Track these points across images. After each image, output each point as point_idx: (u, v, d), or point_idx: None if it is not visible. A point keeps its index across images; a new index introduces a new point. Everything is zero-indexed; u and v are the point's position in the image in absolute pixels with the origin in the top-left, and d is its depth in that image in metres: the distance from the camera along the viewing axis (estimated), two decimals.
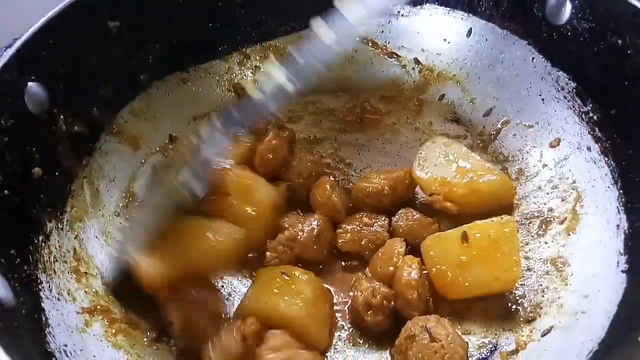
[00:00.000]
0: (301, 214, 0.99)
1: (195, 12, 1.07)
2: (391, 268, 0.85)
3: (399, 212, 0.95)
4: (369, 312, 0.80)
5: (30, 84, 0.83)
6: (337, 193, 0.99)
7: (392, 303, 0.82)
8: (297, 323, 0.76)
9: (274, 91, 0.85)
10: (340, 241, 0.94)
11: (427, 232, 0.90)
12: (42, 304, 0.71)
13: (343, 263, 0.95)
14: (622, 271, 0.76)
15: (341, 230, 0.95)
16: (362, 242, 0.93)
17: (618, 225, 0.82)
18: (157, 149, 1.04)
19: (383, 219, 0.96)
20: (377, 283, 0.83)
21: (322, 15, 1.14)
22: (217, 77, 1.14)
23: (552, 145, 0.99)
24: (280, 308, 0.77)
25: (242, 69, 1.16)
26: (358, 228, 0.95)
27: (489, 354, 0.78)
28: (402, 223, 0.93)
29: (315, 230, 0.93)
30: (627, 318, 0.69)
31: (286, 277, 0.82)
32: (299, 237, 0.92)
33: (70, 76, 0.91)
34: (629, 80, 0.87)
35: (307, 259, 0.91)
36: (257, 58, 1.17)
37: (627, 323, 0.68)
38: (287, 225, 0.95)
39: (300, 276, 0.84)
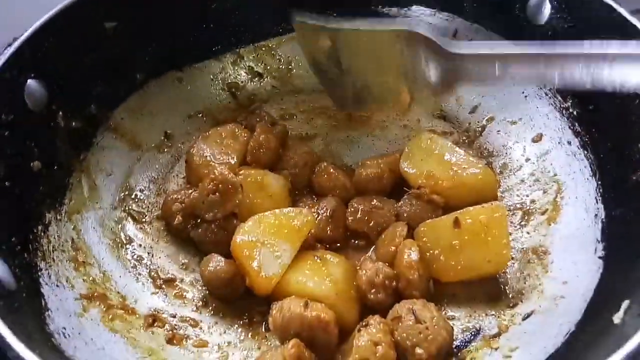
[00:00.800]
0: (314, 198, 1.02)
1: (189, 13, 1.11)
2: (393, 249, 0.88)
3: (404, 197, 0.98)
4: (372, 291, 0.83)
5: (29, 81, 0.86)
6: (341, 173, 1.03)
7: (394, 283, 0.84)
8: (326, 302, 0.79)
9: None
10: (350, 219, 0.97)
11: (430, 217, 0.92)
12: (42, 289, 0.74)
13: (353, 242, 0.98)
14: (599, 257, 0.80)
15: (352, 209, 0.98)
16: (371, 224, 0.96)
17: (596, 215, 0.86)
18: (153, 145, 1.07)
19: (392, 203, 0.99)
20: (381, 263, 0.86)
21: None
22: (212, 76, 1.18)
23: (534, 140, 1.03)
24: (310, 288, 0.81)
25: (236, 68, 1.20)
26: (368, 209, 0.98)
27: (472, 337, 0.81)
28: (406, 208, 0.96)
29: (329, 210, 0.96)
30: (603, 300, 0.73)
31: (318, 260, 0.85)
32: (316, 218, 0.94)
33: (68, 74, 0.94)
34: None
35: (324, 238, 0.95)
36: (251, 58, 1.21)
37: (603, 305, 0.71)
38: None
39: (331, 259, 0.87)
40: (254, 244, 0.84)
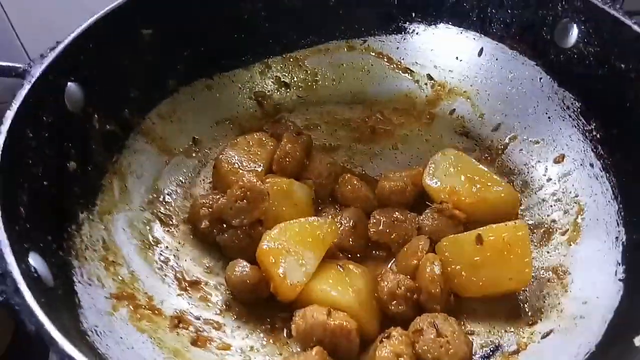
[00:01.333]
0: (337, 208, 1.05)
1: (221, 23, 1.14)
2: (415, 262, 0.90)
3: (426, 211, 0.99)
4: (393, 302, 0.85)
5: (69, 84, 0.89)
6: (364, 184, 1.05)
7: (416, 295, 0.86)
8: (348, 311, 0.81)
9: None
10: (372, 230, 0.99)
11: (451, 232, 0.94)
12: (75, 287, 0.76)
13: (374, 252, 0.99)
14: (620, 280, 0.81)
15: (374, 220, 1.00)
16: (392, 236, 0.98)
17: (617, 237, 0.87)
18: (181, 150, 1.10)
19: (414, 216, 1.01)
20: (402, 276, 0.88)
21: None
22: (240, 85, 1.20)
23: (556, 161, 1.04)
24: (333, 296, 0.82)
25: (263, 78, 1.23)
26: (390, 221, 0.99)
27: (491, 353, 0.83)
28: (428, 222, 0.97)
29: (352, 221, 0.98)
30: (623, 323, 0.74)
31: (341, 269, 0.87)
32: (339, 228, 0.96)
33: (105, 78, 0.97)
34: (630, 102, 0.92)
35: (346, 248, 0.97)
36: (278, 68, 1.23)
37: (623, 327, 0.72)
38: None
39: (354, 269, 0.89)
40: (279, 251, 0.86)
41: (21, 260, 0.61)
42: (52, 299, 0.63)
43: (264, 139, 1.08)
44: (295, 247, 0.87)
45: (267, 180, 0.99)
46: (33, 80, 0.80)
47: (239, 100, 1.20)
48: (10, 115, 0.74)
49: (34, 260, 0.67)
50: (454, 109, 1.18)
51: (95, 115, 0.95)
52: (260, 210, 0.92)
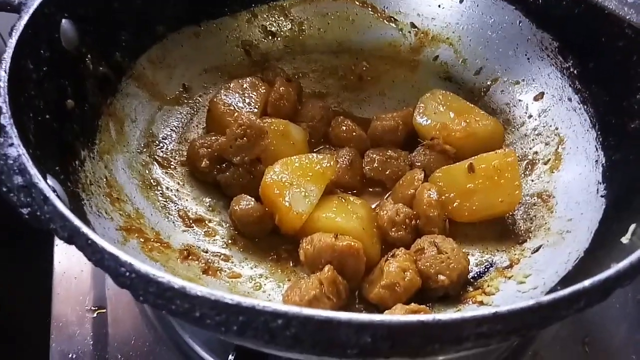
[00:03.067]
0: (332, 149, 1.08)
1: None
2: (411, 191, 0.94)
3: (417, 148, 1.04)
4: (393, 229, 0.89)
5: (64, 20, 0.88)
6: (356, 126, 1.09)
7: (414, 222, 0.90)
8: (353, 235, 0.84)
9: None
10: (367, 167, 1.03)
11: (442, 166, 0.98)
12: (88, 217, 0.77)
13: (369, 189, 1.03)
14: (602, 196, 0.87)
15: (369, 159, 1.04)
16: (387, 172, 1.02)
17: (596, 161, 0.93)
18: (172, 96, 1.10)
19: (406, 154, 1.05)
20: (400, 204, 0.92)
21: None
22: (227, 33, 1.20)
23: (536, 99, 1.10)
24: (339, 222, 0.86)
25: (250, 27, 1.23)
26: (384, 159, 1.03)
27: (485, 270, 0.88)
28: (420, 157, 1.02)
29: (348, 158, 1.02)
30: (608, 229, 0.80)
31: (343, 200, 0.91)
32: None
33: (97, 19, 0.96)
34: (604, 37, 0.98)
35: (343, 184, 1.00)
36: (264, 17, 1.24)
37: (609, 233, 0.79)
38: None
39: (354, 200, 0.93)
40: (283, 184, 0.89)
41: (43, 176, 0.62)
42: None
43: (257, 82, 1.09)
44: (297, 181, 0.90)
45: (265, 120, 1.00)
46: (30, 12, 0.78)
47: (227, 48, 1.20)
48: (12, 43, 0.73)
49: (52, 182, 0.67)
50: (437, 56, 1.22)
51: (89, 56, 0.94)
52: (260, 147, 0.94)
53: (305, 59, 1.25)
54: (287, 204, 0.87)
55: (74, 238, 0.55)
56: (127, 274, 0.52)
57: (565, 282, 0.76)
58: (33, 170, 0.59)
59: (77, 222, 0.55)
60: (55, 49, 0.86)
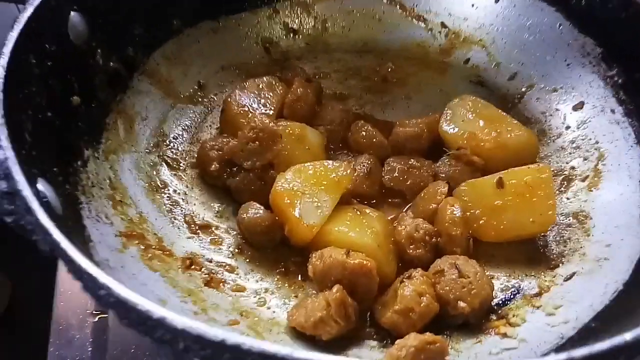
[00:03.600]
0: (350, 156, 1.02)
1: None
2: (433, 206, 0.87)
3: (443, 157, 0.97)
4: (411, 246, 0.82)
5: (72, 13, 0.84)
6: (377, 131, 1.02)
7: (435, 239, 0.83)
8: (367, 251, 0.78)
9: None
10: (387, 177, 0.96)
11: (469, 179, 0.91)
12: (84, 221, 0.73)
13: (389, 199, 0.96)
14: None
15: (389, 167, 0.97)
16: (408, 183, 0.95)
17: None
18: (187, 94, 1.05)
19: (429, 164, 0.98)
20: (420, 220, 0.85)
21: None
22: (247, 30, 1.15)
23: (575, 109, 1.01)
24: (352, 237, 0.80)
25: (271, 23, 1.17)
26: (405, 168, 0.97)
27: (512, 296, 0.81)
28: (445, 168, 0.95)
29: (367, 167, 0.95)
30: None
31: (358, 213, 0.84)
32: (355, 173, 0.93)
33: (109, 12, 0.92)
34: None
35: (361, 194, 0.94)
36: (286, 14, 1.18)
37: None
38: None
39: (370, 213, 0.86)
40: (295, 193, 0.83)
41: (31, 181, 0.57)
42: (64, 226, 0.59)
43: (274, 82, 1.04)
44: (310, 189, 0.84)
45: (279, 123, 0.95)
46: (36, 3, 0.74)
47: (246, 45, 1.15)
48: (12, 37, 0.69)
49: (43, 186, 0.63)
50: (469, 58, 1.15)
51: (99, 51, 0.90)
52: (272, 152, 0.89)
53: (328, 58, 1.18)
54: (298, 214, 0.81)
55: (55, 252, 0.51)
56: (107, 297, 0.47)
57: (601, 318, 0.68)
58: (19, 176, 0.55)
59: (58, 236, 0.51)
60: (62, 42, 0.82)
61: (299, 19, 1.20)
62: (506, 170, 0.87)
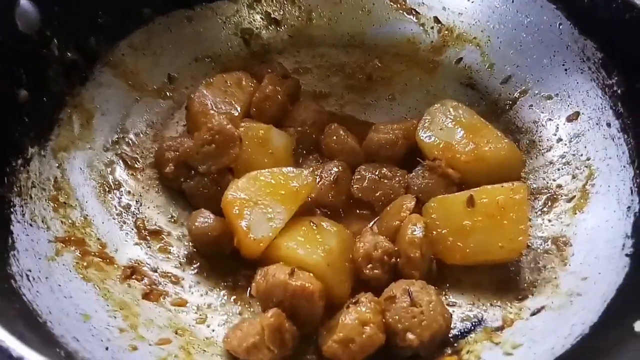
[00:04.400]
0: (320, 160, 0.96)
1: None
2: (397, 222, 0.81)
3: (417, 168, 0.90)
4: (368, 265, 0.76)
5: (21, 1, 0.79)
6: (351, 136, 0.96)
7: (394, 259, 0.77)
8: (315, 271, 0.73)
9: None
10: (355, 186, 0.90)
11: (443, 193, 0.84)
12: (12, 227, 0.69)
13: (357, 210, 0.90)
14: (627, 255, 0.71)
15: (359, 176, 0.91)
16: (377, 194, 0.89)
17: (629, 207, 0.76)
18: (155, 87, 1.00)
19: (403, 174, 0.91)
20: (381, 237, 0.79)
21: None
22: (224, 19, 1.09)
23: (569, 119, 0.92)
24: (300, 255, 0.74)
25: (252, 13, 1.11)
26: (376, 177, 0.90)
27: (472, 327, 0.74)
28: (417, 180, 0.88)
29: (334, 175, 0.89)
30: (624, 303, 0.64)
31: (314, 227, 0.79)
32: (318, 182, 0.88)
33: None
34: None
35: (324, 204, 0.88)
36: (268, 2, 1.11)
37: (624, 309, 0.63)
38: None
39: (328, 227, 0.80)
40: (245, 203, 0.77)
41: None
42: None
43: (243, 79, 0.97)
44: (264, 199, 0.78)
45: (242, 124, 0.89)
46: None
47: (223, 36, 1.09)
48: None
49: None
50: (461, 58, 1.06)
51: (55, 41, 0.86)
52: (229, 156, 0.83)
53: (311, 52, 1.12)
54: (245, 226, 0.75)
55: None
56: None
57: None
58: None
59: None
60: (8, 33, 0.77)
61: (283, 9, 1.13)
62: (478, 188, 0.79)
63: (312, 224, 0.79)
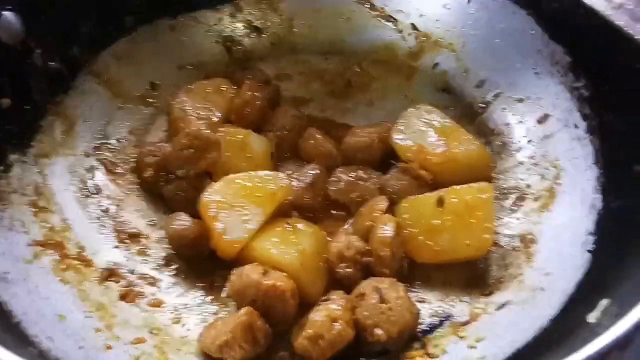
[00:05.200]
0: (297, 164, 0.97)
1: None
2: (369, 223, 0.83)
3: (391, 170, 0.92)
4: (341, 265, 0.78)
5: (5, 13, 0.82)
6: (329, 140, 0.98)
7: (366, 258, 0.79)
8: (289, 271, 0.75)
9: None
10: (332, 188, 0.92)
11: (416, 194, 0.86)
12: None
13: (334, 212, 0.92)
14: (588, 251, 0.73)
15: (335, 179, 0.93)
16: (352, 195, 0.91)
17: (592, 205, 0.79)
18: (137, 94, 1.03)
19: (378, 176, 0.93)
20: (354, 237, 0.81)
21: None
22: (207, 28, 1.12)
23: (539, 121, 0.95)
24: (274, 255, 0.76)
25: (234, 21, 1.14)
26: (352, 180, 0.92)
27: (440, 323, 0.76)
28: (392, 182, 0.90)
29: (311, 177, 0.91)
30: (582, 298, 0.67)
31: (289, 228, 0.80)
32: (295, 185, 0.90)
33: (51, 9, 0.90)
34: (623, 56, 0.83)
35: (301, 206, 0.90)
36: (250, 11, 1.14)
37: (581, 303, 0.65)
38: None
39: (303, 228, 0.82)
40: (221, 205, 0.80)
41: None
42: None
43: (223, 85, 1.00)
44: (240, 202, 0.81)
45: (221, 129, 0.91)
46: None
47: (206, 44, 1.12)
48: None
49: None
50: (438, 63, 1.09)
51: (38, 51, 0.88)
52: (207, 160, 0.86)
53: (293, 59, 1.14)
54: (221, 228, 0.78)
55: None
56: None
57: (519, 357, 0.63)
58: None
59: None
60: None
61: (264, 17, 1.16)
62: (448, 188, 0.82)
63: (287, 225, 0.81)
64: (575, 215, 0.79)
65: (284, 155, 0.99)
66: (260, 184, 0.83)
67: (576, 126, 0.88)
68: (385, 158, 0.95)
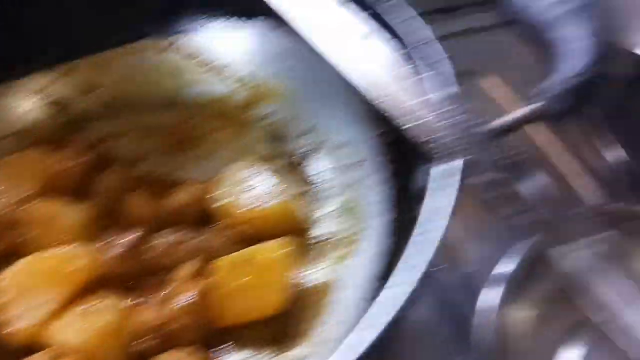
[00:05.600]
0: (120, 229, 0.94)
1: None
2: (172, 290, 0.82)
3: (207, 230, 0.92)
4: (141, 338, 0.77)
5: None
6: (155, 201, 0.96)
7: (167, 328, 0.78)
8: (84, 350, 0.73)
9: None
10: (148, 254, 0.90)
11: (230, 252, 0.86)
12: None
13: (151, 279, 0.89)
14: (372, 298, 0.76)
15: (153, 243, 0.91)
16: (170, 260, 0.89)
17: (387, 249, 0.82)
18: None
19: (198, 236, 0.91)
20: (156, 307, 0.80)
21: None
22: (34, 91, 1.11)
23: (353, 167, 0.99)
24: (68, 337, 0.75)
25: (65, 82, 1.14)
26: (171, 243, 0.91)
27: None
28: (206, 243, 0.90)
29: (126, 245, 0.89)
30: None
31: (85, 307, 0.78)
32: (110, 253, 0.87)
33: None
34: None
35: (115, 277, 0.87)
36: (84, 71, 1.14)
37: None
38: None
39: (103, 305, 0.79)
40: (10, 291, 0.77)
41: None
42: None
43: (37, 156, 0.98)
44: (35, 285, 0.79)
45: (29, 204, 0.89)
46: None
47: (34, 108, 1.10)
48: None
49: None
50: (268, 113, 1.12)
51: None
52: (5, 241, 0.83)
53: (126, 117, 1.14)
54: (10, 317, 0.75)
55: None
56: None
57: None
58: None
59: None
60: None
61: (97, 76, 1.15)
62: (254, 246, 0.83)
63: (88, 304, 0.79)
64: (370, 262, 0.82)
65: (106, 222, 0.98)
66: (58, 263, 0.81)
67: (378, 172, 0.93)
68: (205, 216, 0.96)
